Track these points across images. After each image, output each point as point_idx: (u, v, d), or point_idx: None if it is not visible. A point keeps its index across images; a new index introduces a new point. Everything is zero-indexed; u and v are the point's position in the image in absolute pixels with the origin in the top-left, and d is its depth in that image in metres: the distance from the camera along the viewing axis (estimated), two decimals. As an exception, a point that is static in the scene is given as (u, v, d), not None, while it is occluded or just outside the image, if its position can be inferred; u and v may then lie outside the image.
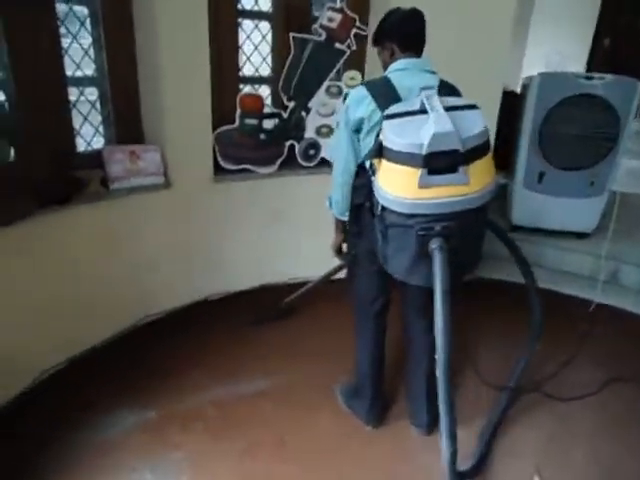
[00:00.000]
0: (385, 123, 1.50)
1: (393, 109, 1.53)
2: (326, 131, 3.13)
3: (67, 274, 2.32)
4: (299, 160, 3.11)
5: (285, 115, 3.00)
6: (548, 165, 3.46)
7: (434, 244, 1.45)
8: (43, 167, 2.21)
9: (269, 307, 2.94)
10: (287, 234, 3.19)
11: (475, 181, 1.44)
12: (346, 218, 1.95)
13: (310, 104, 3.05)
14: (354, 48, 3.00)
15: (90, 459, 1.92)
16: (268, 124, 2.95)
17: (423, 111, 1.45)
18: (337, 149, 1.85)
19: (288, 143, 3.05)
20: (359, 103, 1.73)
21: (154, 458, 1.94)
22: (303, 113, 3.05)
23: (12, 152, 2.19)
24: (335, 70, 3.05)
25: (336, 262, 2.67)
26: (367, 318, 2.05)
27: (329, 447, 2.03)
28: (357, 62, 3.13)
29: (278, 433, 2.10)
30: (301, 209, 3.17)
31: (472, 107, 1.49)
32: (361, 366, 2.11)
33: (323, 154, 3.16)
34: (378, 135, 1.57)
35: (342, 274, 2.75)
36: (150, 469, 1.89)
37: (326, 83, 3.04)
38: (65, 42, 2.28)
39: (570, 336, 2.86)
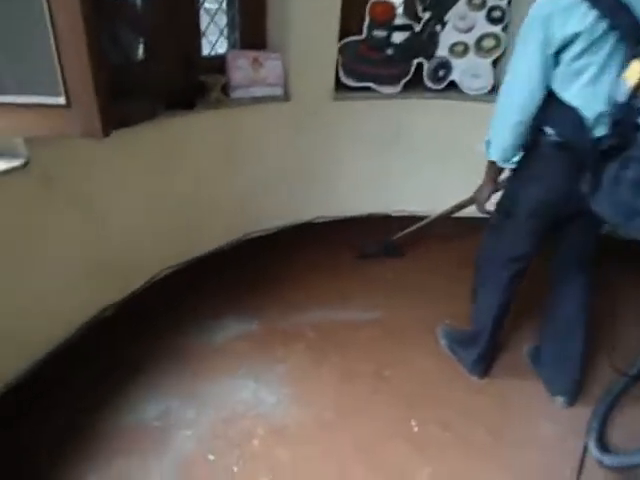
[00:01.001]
0: None
1: None
2: (461, 50, 2.77)
3: (184, 181, 2.35)
4: (426, 81, 2.81)
5: (417, 28, 2.68)
6: None
7: None
8: (171, 68, 2.17)
9: (377, 242, 2.80)
10: (403, 163, 2.98)
11: None
12: (511, 165, 1.63)
13: (447, 17, 2.69)
14: (510, -52, 2.55)
15: (195, 362, 2.01)
16: (397, 37, 2.67)
17: None
18: (517, 77, 1.45)
19: (416, 61, 2.75)
20: (568, 13, 1.30)
21: (257, 368, 2.00)
22: (438, 27, 2.70)
23: (141, 50, 2.16)
24: (481, -23, 2.64)
25: (456, 199, 2.47)
26: (501, 273, 1.80)
27: (431, 390, 1.96)
28: (510, -33, 2.68)
29: (377, 365, 2.06)
30: (422, 137, 2.92)
31: None
32: (480, 317, 1.94)
33: (453, 76, 2.83)
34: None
35: (463, 213, 2.54)
36: (254, 377, 1.95)
37: (469, -8, 2.65)
38: None
39: None
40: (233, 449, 1.67)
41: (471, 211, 2.38)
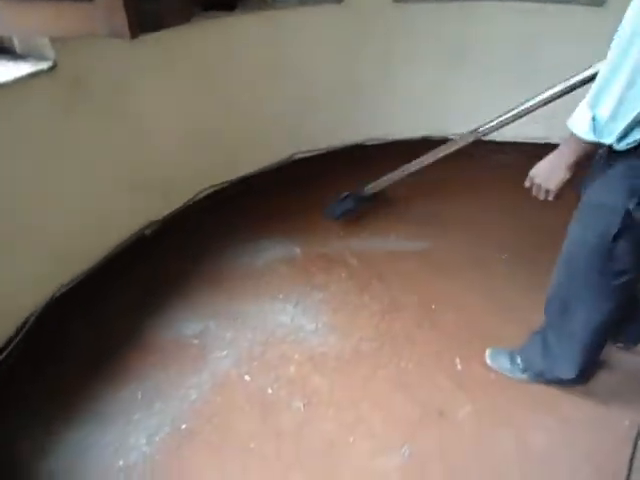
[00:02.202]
0: None
1: None
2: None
3: (224, 92, 2.19)
4: (504, -20, 2.41)
5: None
6: None
7: None
8: (209, -38, 1.94)
9: (344, 199, 2.33)
10: (469, 79, 2.65)
11: None
12: (624, 146, 1.09)
13: None
14: None
15: (234, 284, 1.98)
16: None
17: None
18: None
19: (494, -47, 2.34)
20: None
21: (297, 293, 1.94)
22: None
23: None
24: None
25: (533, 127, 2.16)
26: (598, 291, 1.35)
27: (478, 328, 1.82)
28: None
29: (422, 298, 1.94)
30: (495, 50, 2.55)
31: None
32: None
33: (537, -26, 2.40)
34: None
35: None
36: (293, 302, 1.90)
37: None
38: None
39: None
40: (269, 372, 1.66)
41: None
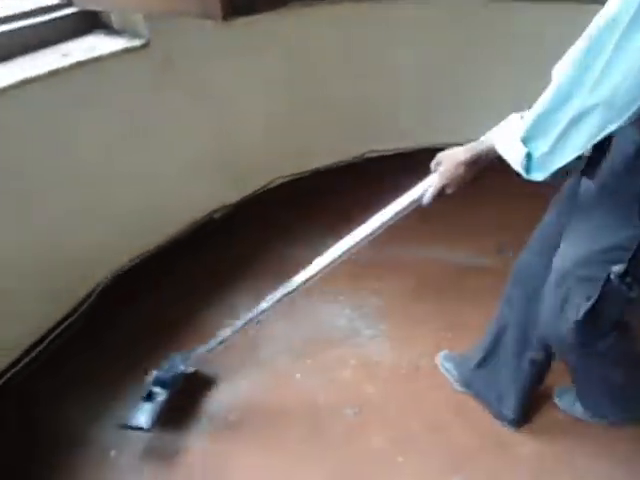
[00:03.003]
0: None
1: None
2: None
3: (306, 82, 2.16)
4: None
5: None
6: None
7: None
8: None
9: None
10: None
11: None
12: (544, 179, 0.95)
13: None
14: None
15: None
16: None
17: None
18: (627, 55, 0.77)
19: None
20: None
21: (358, 297, 1.87)
22: None
23: None
24: None
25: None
26: None
27: (553, 365, 1.66)
28: None
29: (485, 318, 1.79)
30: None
31: None
32: None
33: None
34: None
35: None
36: (353, 306, 1.84)
37: None
38: None
39: None
40: (322, 373, 1.61)
41: None
